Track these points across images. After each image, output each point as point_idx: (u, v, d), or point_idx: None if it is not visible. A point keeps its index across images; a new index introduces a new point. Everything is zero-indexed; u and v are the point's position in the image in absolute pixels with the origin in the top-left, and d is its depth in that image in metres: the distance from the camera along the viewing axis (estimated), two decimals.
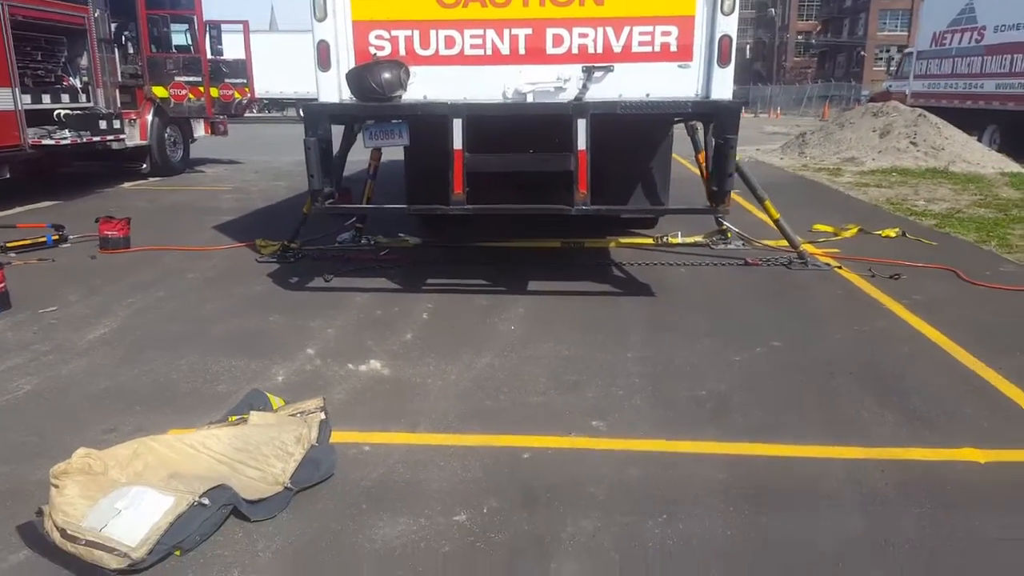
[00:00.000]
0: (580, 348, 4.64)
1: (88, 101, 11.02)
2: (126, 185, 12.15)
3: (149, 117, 12.71)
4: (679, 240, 7.51)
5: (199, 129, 14.45)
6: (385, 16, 5.34)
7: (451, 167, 5.13)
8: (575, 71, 5.34)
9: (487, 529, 2.76)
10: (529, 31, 5.30)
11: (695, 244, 7.44)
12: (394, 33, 5.36)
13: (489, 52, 5.35)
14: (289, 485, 2.95)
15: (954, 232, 8.13)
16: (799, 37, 78.17)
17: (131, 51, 12.88)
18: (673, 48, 5.26)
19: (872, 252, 7.00)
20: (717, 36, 5.15)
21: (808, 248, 7.20)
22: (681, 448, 3.39)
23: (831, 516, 2.85)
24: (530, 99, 5.35)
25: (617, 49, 5.29)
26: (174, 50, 13.34)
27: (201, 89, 12.98)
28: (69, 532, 2.49)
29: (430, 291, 5.94)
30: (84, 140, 10.50)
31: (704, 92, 5.29)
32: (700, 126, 6.85)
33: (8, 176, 9.73)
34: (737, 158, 6.63)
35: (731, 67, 5.22)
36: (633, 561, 2.58)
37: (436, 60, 5.38)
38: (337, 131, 5.72)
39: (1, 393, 3.91)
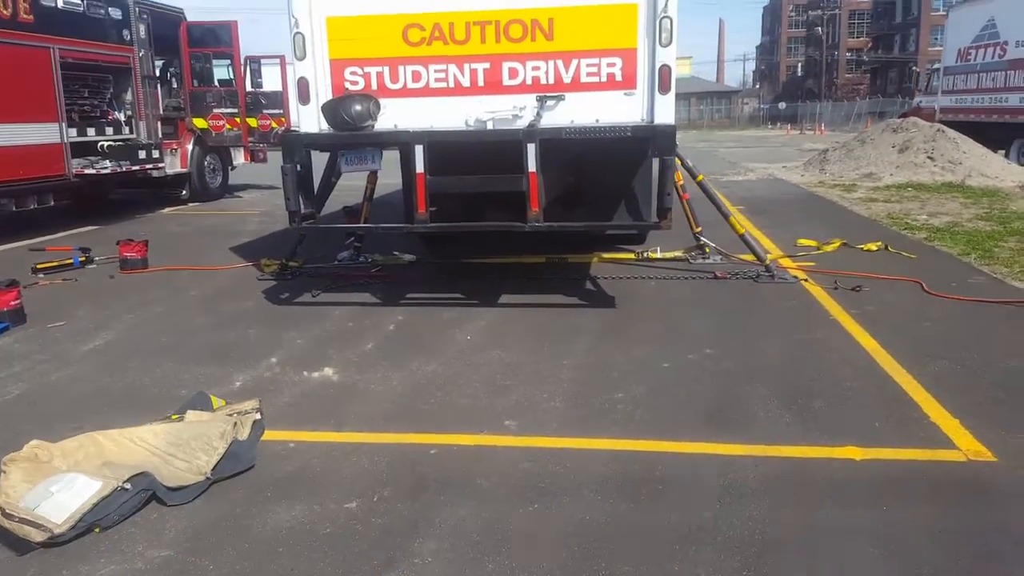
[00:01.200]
0: (524, 355, 4.96)
1: (131, 133, 11.92)
2: (166, 210, 12.99)
3: (189, 147, 13.60)
4: (659, 255, 7.77)
5: (239, 157, 15.30)
6: (358, 55, 5.83)
7: (415, 189, 5.56)
8: (530, 100, 5.72)
9: (371, 514, 3.11)
10: (487, 65, 5.71)
11: (674, 259, 7.68)
12: (367, 69, 5.84)
13: (452, 85, 5.77)
14: (209, 475, 3.36)
15: (940, 245, 8.18)
16: (849, 54, 77.01)
17: (175, 85, 13.86)
18: (618, 78, 5.60)
19: (847, 265, 7.14)
20: (657, 66, 5.49)
21: (786, 262, 7.40)
22: (577, 444, 3.69)
23: (686, 506, 3.11)
24: (490, 126, 5.74)
25: (567, 80, 5.65)
26: (216, 84, 14.25)
27: (238, 120, 13.80)
28: (7, 511, 2.93)
29: (406, 305, 6.35)
30: (124, 169, 11.35)
31: (648, 117, 5.61)
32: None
33: (52, 203, 10.59)
34: (700, 178, 6.98)
35: (671, 94, 5.54)
36: (487, 541, 2.89)
37: (404, 93, 5.84)
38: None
39: None
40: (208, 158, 14.15)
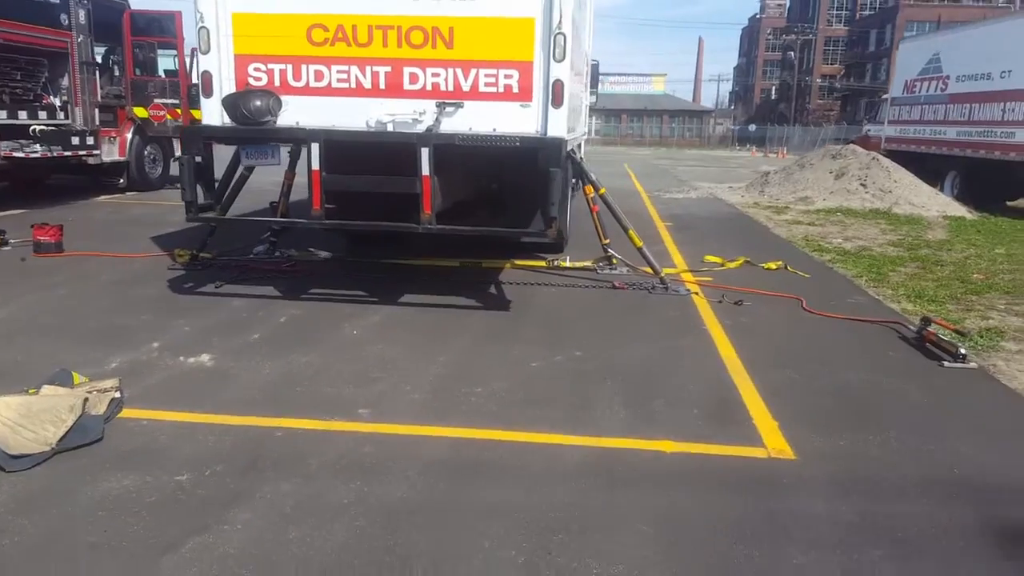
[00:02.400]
0: (404, 351, 5.15)
1: (66, 119, 11.90)
2: (101, 198, 12.97)
3: (129, 135, 13.57)
4: (568, 264, 8.02)
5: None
6: (263, 51, 6.00)
7: (310, 186, 5.73)
8: (431, 106, 5.93)
9: (197, 486, 3.28)
10: (389, 69, 5.92)
11: (583, 268, 7.94)
12: (270, 66, 6.01)
13: (354, 86, 5.97)
14: (54, 446, 3.50)
15: (840, 267, 8.55)
16: (822, 80, 78.66)
17: (117, 73, 13.86)
18: (515, 90, 5.84)
19: (742, 281, 7.45)
20: (551, 81, 5.73)
21: (686, 276, 7.69)
22: (420, 432, 3.89)
23: (500, 487, 3.32)
24: (390, 128, 5.94)
25: (466, 88, 5.88)
26: (162, 74, 14.24)
27: (179, 110, 13.82)
28: None
29: (308, 299, 6.50)
30: (55, 155, 11.33)
31: (543, 130, 5.86)
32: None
33: None
34: (602, 191, 7.25)
35: (564, 108, 5.79)
36: (298, 513, 3.08)
37: (307, 91, 6.02)
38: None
39: None
40: (149, 148, 14.12)
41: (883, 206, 14.11)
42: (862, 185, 15.05)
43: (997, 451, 3.84)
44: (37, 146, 10.98)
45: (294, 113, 6.04)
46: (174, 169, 15.30)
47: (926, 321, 5.63)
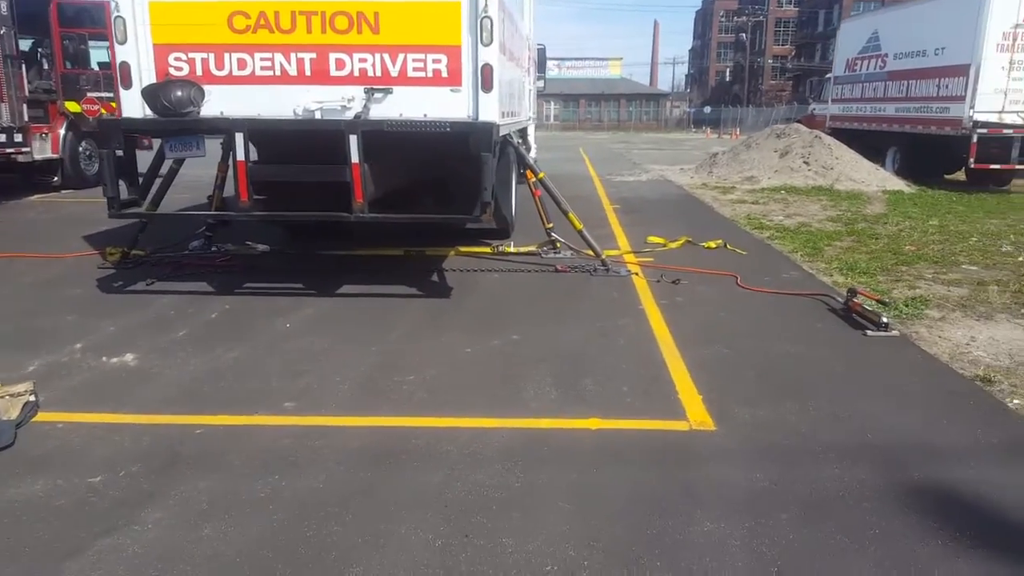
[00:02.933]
0: (336, 342, 5.09)
1: None
2: (33, 197, 12.57)
3: (62, 131, 13.16)
4: (512, 250, 8.01)
5: None
6: (183, 40, 5.84)
7: (236, 177, 5.62)
8: (358, 92, 5.84)
9: (110, 488, 3.20)
10: (314, 55, 5.81)
11: (527, 253, 7.93)
12: (191, 55, 5.86)
13: (278, 73, 5.84)
14: None
15: (778, 244, 8.68)
16: (772, 61, 79.72)
17: (46, 67, 13.41)
18: (444, 75, 5.78)
19: (682, 261, 7.52)
20: (480, 65, 5.68)
21: (629, 257, 7.74)
22: (346, 422, 3.85)
23: (422, 473, 3.30)
24: (318, 116, 5.83)
25: (394, 73, 5.80)
26: (96, 67, 13.82)
27: (114, 104, 13.43)
28: None
29: (242, 294, 6.39)
30: None
31: (474, 115, 5.81)
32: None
33: None
34: (541, 175, 7.25)
35: (494, 92, 5.74)
36: (214, 510, 3.02)
37: (230, 80, 5.87)
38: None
39: None
40: (84, 144, 13.71)
41: (825, 183, 14.37)
42: (805, 163, 15.30)
43: (911, 415, 3.94)
44: None
45: (218, 103, 5.89)
46: None
47: (852, 292, 5.74)
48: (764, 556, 2.70)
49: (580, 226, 7.28)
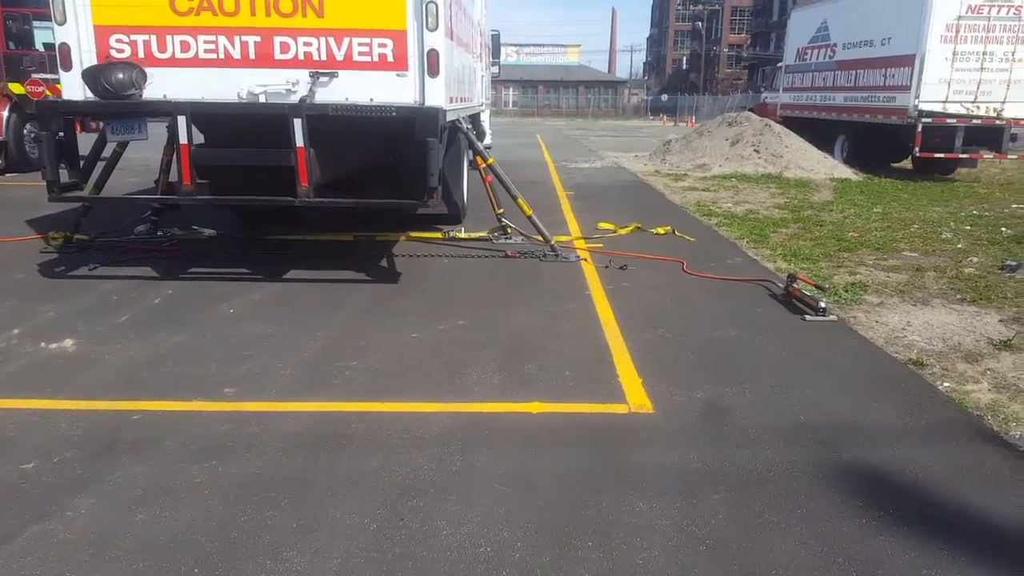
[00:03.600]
0: (280, 328, 5.06)
1: None
2: None
3: (5, 113, 12.76)
4: (463, 235, 8.02)
5: None
6: (124, 21, 5.71)
7: (178, 160, 5.53)
8: (304, 76, 5.77)
9: (43, 474, 3.16)
10: (258, 39, 5.72)
11: (478, 239, 7.95)
12: (133, 37, 5.73)
13: (222, 56, 5.75)
14: None
15: (724, 231, 8.84)
16: (728, 50, 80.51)
17: None
18: (390, 59, 5.75)
19: (631, 247, 7.62)
20: (426, 50, 5.66)
21: (578, 243, 7.81)
22: (287, 408, 3.84)
23: (359, 457, 3.32)
24: (262, 99, 5.77)
25: (339, 57, 5.75)
26: (41, 48, 13.42)
27: (59, 86, 13.05)
28: None
29: (186, 279, 6.30)
30: None
31: (420, 99, 5.79)
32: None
33: None
34: (491, 161, 7.27)
35: (441, 77, 5.73)
36: (148, 495, 3.01)
37: (173, 63, 5.76)
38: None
39: None
40: (28, 126, 13.30)
41: (775, 171, 14.64)
42: (755, 151, 15.55)
43: (843, 398, 4.08)
44: None
45: (161, 86, 5.78)
46: None
47: (791, 278, 5.89)
48: (694, 535, 2.79)
49: (530, 212, 7.32)
